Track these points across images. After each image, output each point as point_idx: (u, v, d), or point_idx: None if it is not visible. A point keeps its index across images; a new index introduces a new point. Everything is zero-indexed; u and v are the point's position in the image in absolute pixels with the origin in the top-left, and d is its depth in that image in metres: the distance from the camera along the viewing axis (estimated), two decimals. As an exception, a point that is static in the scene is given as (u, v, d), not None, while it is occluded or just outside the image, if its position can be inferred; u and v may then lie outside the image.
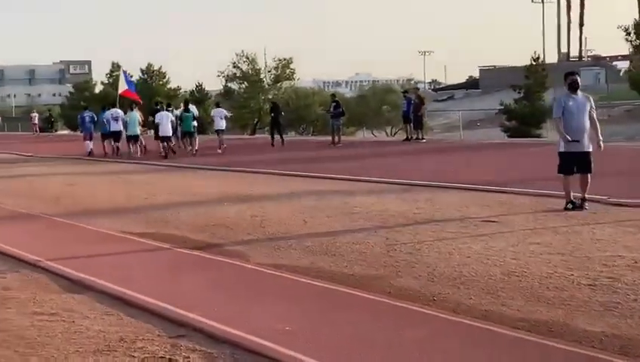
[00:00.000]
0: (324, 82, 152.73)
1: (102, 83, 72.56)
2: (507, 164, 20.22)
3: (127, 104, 32.32)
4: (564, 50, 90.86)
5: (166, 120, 27.17)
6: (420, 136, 30.38)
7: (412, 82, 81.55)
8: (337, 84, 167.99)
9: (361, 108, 49.63)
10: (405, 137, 31.51)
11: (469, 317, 6.50)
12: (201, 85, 60.37)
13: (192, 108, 29.58)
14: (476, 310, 6.72)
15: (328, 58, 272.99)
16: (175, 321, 6.58)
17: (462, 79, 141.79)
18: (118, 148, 28.71)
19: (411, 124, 30.87)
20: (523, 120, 39.04)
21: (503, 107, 40.75)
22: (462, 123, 37.17)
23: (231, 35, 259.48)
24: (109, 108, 29.96)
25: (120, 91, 34.09)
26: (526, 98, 39.75)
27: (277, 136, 31.26)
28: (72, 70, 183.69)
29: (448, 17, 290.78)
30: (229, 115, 34.27)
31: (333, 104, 32.00)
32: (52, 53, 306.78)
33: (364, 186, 15.84)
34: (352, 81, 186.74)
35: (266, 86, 55.20)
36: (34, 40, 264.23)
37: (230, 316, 6.60)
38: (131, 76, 64.16)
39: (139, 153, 28.32)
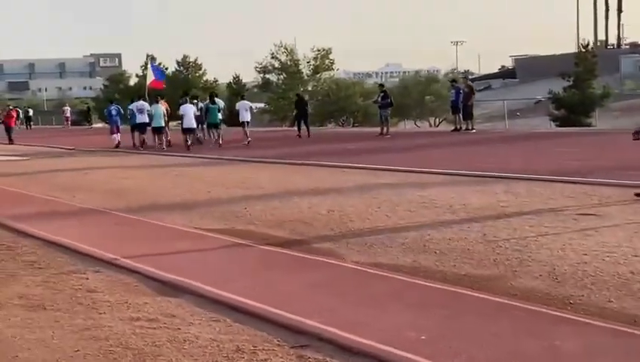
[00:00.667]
0: (354, 73, 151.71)
1: (136, 75, 72.47)
2: (569, 153, 19.41)
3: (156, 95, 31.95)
4: (600, 37, 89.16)
5: (190, 112, 27.60)
6: (470, 127, 29.63)
7: (456, 72, 80.00)
8: (368, 75, 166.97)
9: (403, 98, 48.66)
10: (454, 127, 30.77)
11: (619, 323, 5.84)
12: (238, 77, 59.94)
13: (218, 100, 29.89)
14: (623, 315, 6.07)
15: (358, 49, 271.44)
16: (292, 329, 5.97)
17: (494, 69, 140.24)
18: (144, 140, 29.00)
19: (460, 114, 30.17)
20: (572, 108, 38.06)
21: (551, 96, 39.75)
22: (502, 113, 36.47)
23: (264, 26, 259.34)
24: (137, 100, 30.53)
25: (148, 82, 34.49)
26: (575, 86, 38.73)
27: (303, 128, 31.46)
28: (102, 63, 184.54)
29: (477, 6, 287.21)
30: (254, 107, 34.72)
31: (382, 94, 31.30)
32: (82, 46, 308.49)
33: (432, 178, 15.17)
34: (382, 72, 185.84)
35: (305, 77, 54.58)
36: (63, 33, 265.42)
37: (353, 323, 5.98)
38: (166, 68, 64.39)
39: (164, 145, 28.30)
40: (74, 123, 60.26)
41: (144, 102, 29.73)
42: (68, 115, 60.53)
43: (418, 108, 50.77)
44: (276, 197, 13.52)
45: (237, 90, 59.96)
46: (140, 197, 14.52)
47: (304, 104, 32.76)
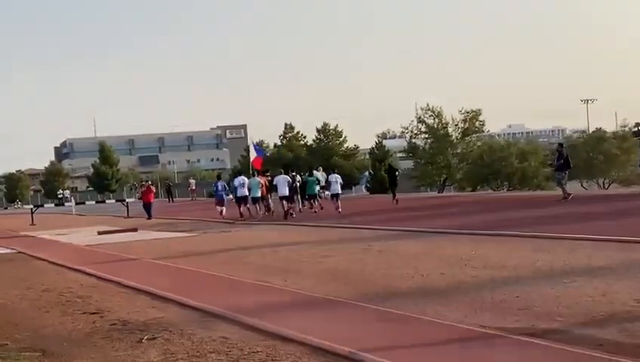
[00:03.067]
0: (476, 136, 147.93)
1: (275, 145, 72.14)
2: None
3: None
4: None
5: (283, 181, 31.13)
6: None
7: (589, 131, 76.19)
8: (490, 136, 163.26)
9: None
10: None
11: None
12: (381, 142, 58.41)
13: (317, 173, 34.30)
14: None
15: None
16: None
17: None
18: (248, 209, 31.95)
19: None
20: None
21: None
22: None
23: (402, 89, 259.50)
24: (238, 176, 35.12)
25: (252, 159, 39.40)
26: None
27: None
28: (228, 135, 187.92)
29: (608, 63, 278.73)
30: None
31: (557, 155, 28.95)
32: (208, 120, 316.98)
33: None
34: (504, 134, 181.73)
35: (455, 140, 52.44)
36: (191, 108, 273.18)
37: None
38: (266, 147, 63.74)
39: (261, 212, 31.80)
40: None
41: (244, 178, 33.29)
42: (193, 187, 61.55)
43: (586, 169, 47.58)
44: (532, 280, 11.22)
45: (380, 156, 58.66)
46: (361, 280, 12.47)
47: (394, 172, 36.38)
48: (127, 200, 46.05)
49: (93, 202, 54.86)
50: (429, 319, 9.09)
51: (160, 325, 9.96)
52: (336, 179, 32.24)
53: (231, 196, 34.03)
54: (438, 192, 49.75)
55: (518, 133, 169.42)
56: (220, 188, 34.85)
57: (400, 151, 56.48)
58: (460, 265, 13.33)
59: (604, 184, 46.84)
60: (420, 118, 52.50)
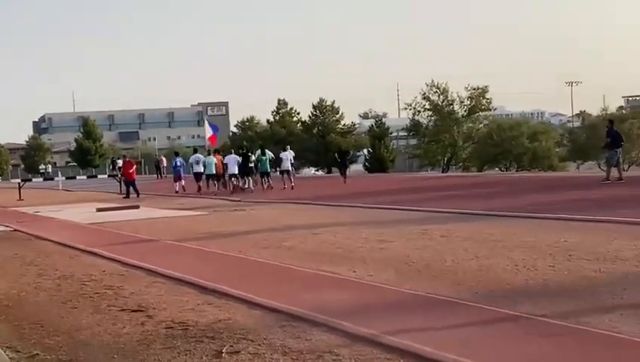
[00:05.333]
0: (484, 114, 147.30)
1: (267, 121, 69.57)
2: None
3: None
4: None
5: (232, 161, 33.32)
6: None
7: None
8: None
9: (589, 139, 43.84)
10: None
11: None
12: (380, 120, 56.06)
13: (268, 152, 34.53)
14: None
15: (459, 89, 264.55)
16: None
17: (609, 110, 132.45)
18: (200, 186, 34.36)
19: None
20: None
21: None
22: None
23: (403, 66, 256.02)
24: (193, 154, 36.83)
25: (207, 137, 41.10)
26: None
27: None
28: (209, 112, 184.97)
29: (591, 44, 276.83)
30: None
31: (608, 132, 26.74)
32: (190, 96, 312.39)
33: None
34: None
35: (461, 118, 50.13)
36: (172, 84, 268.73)
37: None
38: (298, 113, 61.35)
39: (216, 189, 33.81)
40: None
41: (200, 155, 35.63)
42: (164, 164, 61.82)
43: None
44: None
45: (379, 133, 56.37)
46: (450, 272, 10.30)
47: (345, 155, 39.53)
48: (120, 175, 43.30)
49: (85, 177, 52.30)
50: (606, 333, 6.91)
51: (232, 331, 7.76)
52: (287, 156, 34.36)
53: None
54: (442, 172, 47.70)
55: (499, 114, 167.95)
56: (178, 164, 37.67)
57: (402, 129, 54.08)
58: (563, 256, 11.18)
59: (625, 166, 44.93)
60: (424, 94, 50.19)
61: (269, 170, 33.77)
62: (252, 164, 33.51)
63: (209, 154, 35.16)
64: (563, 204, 19.30)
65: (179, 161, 38.06)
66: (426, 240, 13.82)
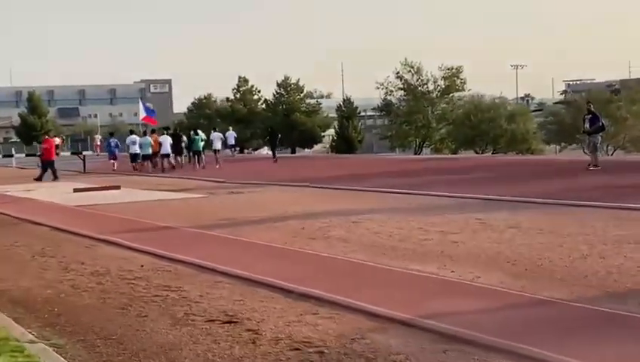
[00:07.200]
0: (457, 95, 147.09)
1: (227, 99, 67.19)
2: None
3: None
4: None
5: (165, 141, 34.92)
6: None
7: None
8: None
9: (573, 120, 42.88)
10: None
11: None
12: (349, 99, 54.39)
13: (200, 133, 36.70)
14: None
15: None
16: None
17: (548, 94, 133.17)
18: (142, 164, 35.43)
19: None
20: None
21: None
22: None
23: (367, 42, 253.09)
24: (130, 135, 37.95)
25: (140, 118, 41.97)
26: None
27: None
28: (152, 89, 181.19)
29: (533, 29, 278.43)
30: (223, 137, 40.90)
31: (589, 116, 25.35)
32: (132, 72, 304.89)
33: None
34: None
35: (435, 98, 48.72)
36: (114, 59, 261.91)
37: None
38: (259, 91, 59.46)
39: (150, 169, 34.91)
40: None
41: (136, 136, 36.61)
42: (98, 143, 61.06)
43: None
44: None
45: (347, 113, 54.74)
46: (554, 271, 8.83)
47: (275, 135, 43.01)
48: (84, 153, 40.97)
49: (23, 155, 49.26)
50: None
51: (385, 356, 6.11)
52: (218, 136, 38.52)
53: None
54: (415, 154, 46.44)
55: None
56: (112, 144, 39.37)
57: (372, 108, 52.48)
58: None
59: (607, 150, 44.17)
60: (397, 73, 48.70)
61: (200, 149, 35.63)
62: (184, 144, 36.02)
63: (144, 135, 36.65)
64: (590, 192, 17.77)
65: (113, 141, 39.71)
66: (497, 233, 12.27)
